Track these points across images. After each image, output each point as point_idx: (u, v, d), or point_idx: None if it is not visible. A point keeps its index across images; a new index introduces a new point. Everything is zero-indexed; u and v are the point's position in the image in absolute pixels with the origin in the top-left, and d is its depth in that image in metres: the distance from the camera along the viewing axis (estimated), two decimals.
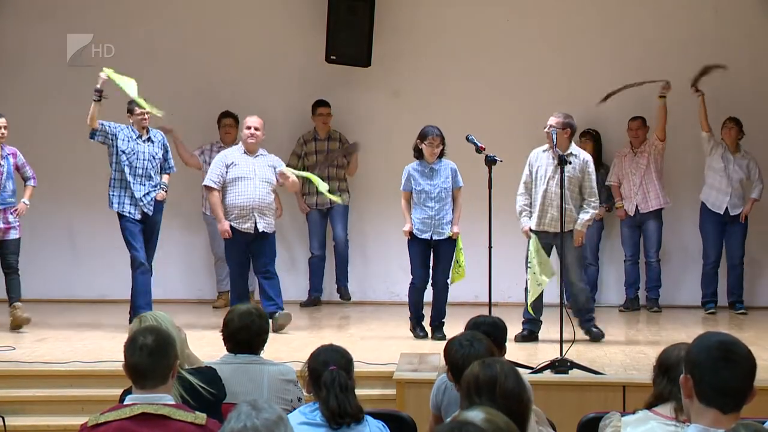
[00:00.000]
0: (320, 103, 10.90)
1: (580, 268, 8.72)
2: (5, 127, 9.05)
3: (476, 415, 2.91)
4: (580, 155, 8.46)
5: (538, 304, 8.54)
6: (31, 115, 10.97)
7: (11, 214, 9.15)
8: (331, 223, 10.99)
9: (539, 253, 8.12)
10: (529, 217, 8.53)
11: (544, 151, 8.56)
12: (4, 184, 9.12)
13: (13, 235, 9.18)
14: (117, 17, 11.16)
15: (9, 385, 7.37)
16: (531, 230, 8.42)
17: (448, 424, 2.79)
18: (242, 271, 9.19)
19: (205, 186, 9.24)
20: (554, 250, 8.43)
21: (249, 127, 9.12)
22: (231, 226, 8.98)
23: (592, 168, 8.53)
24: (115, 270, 10.46)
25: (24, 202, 9.24)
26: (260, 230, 8.99)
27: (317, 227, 10.89)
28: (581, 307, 8.67)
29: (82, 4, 11.17)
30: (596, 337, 8.58)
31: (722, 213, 10.52)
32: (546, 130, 8.41)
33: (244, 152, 9.12)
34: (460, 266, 8.62)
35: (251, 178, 9.01)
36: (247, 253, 9.12)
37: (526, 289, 8.42)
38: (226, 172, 9.05)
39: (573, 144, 8.58)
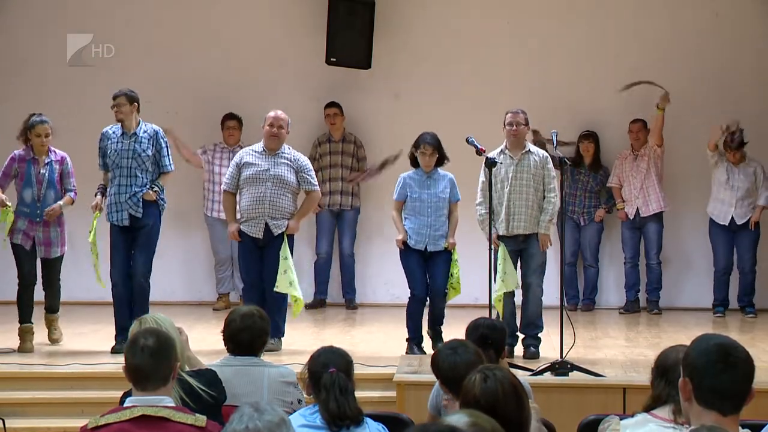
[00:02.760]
0: (326, 105, 10.88)
1: (542, 275, 8.21)
2: (46, 135, 8.36)
3: (459, 418, 2.90)
4: (539, 152, 8.25)
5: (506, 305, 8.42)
6: None
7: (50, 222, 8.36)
8: (339, 232, 10.94)
9: (506, 263, 7.98)
10: (494, 225, 8.12)
11: (500, 153, 8.21)
12: (45, 193, 8.34)
13: (55, 253, 8.41)
14: (117, 17, 11.15)
15: (9, 387, 7.39)
16: (500, 237, 8.09)
17: (433, 425, 2.78)
18: (253, 277, 8.44)
19: (222, 189, 8.82)
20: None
21: (271, 125, 8.48)
22: (241, 230, 8.41)
23: (551, 164, 8.23)
24: None
25: (59, 204, 8.37)
26: (271, 234, 8.34)
27: (326, 227, 10.75)
28: (531, 321, 8.13)
29: (82, 4, 11.16)
30: (532, 356, 7.98)
31: (728, 224, 10.45)
32: (513, 128, 8.13)
33: (263, 150, 8.50)
34: (453, 278, 8.28)
35: (264, 180, 8.39)
36: (259, 260, 8.43)
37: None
38: (239, 173, 8.48)
39: (528, 142, 8.40)
